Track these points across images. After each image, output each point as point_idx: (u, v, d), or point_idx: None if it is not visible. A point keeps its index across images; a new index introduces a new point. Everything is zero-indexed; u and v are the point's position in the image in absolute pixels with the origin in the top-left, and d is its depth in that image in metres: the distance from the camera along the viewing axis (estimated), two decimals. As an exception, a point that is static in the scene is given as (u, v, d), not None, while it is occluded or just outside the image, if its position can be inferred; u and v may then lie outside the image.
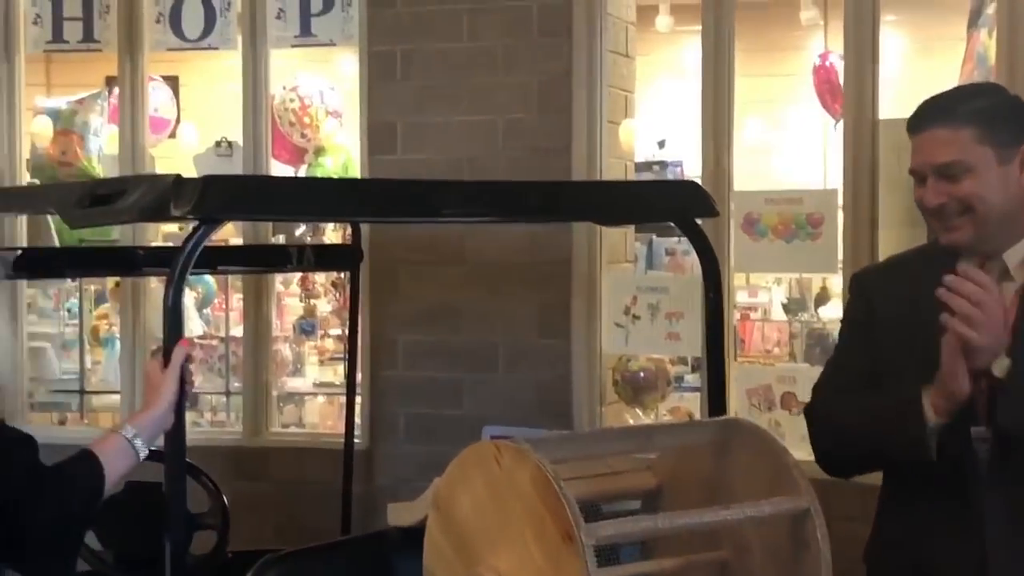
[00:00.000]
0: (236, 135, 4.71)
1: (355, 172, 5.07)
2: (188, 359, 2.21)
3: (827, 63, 7.92)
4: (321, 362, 6.36)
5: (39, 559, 2.07)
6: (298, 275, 6.08)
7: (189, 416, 2.28)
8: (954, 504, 2.34)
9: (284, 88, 6.91)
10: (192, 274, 2.43)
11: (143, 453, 2.16)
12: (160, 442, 2.23)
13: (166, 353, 2.20)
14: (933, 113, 2.42)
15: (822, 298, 7.01)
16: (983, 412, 2.27)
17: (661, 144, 8.38)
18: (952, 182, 2.31)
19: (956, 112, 2.38)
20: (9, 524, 1.99)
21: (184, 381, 2.20)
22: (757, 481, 2.04)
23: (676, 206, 2.73)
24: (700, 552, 2.07)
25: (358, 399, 3.95)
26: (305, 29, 4.40)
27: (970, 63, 5.91)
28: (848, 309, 2.70)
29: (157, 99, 5.73)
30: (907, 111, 2.52)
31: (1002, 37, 3.69)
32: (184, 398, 2.21)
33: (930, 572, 2.38)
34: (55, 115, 6.85)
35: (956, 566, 2.34)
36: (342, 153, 7.03)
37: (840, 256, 3.84)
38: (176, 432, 2.19)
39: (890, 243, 3.81)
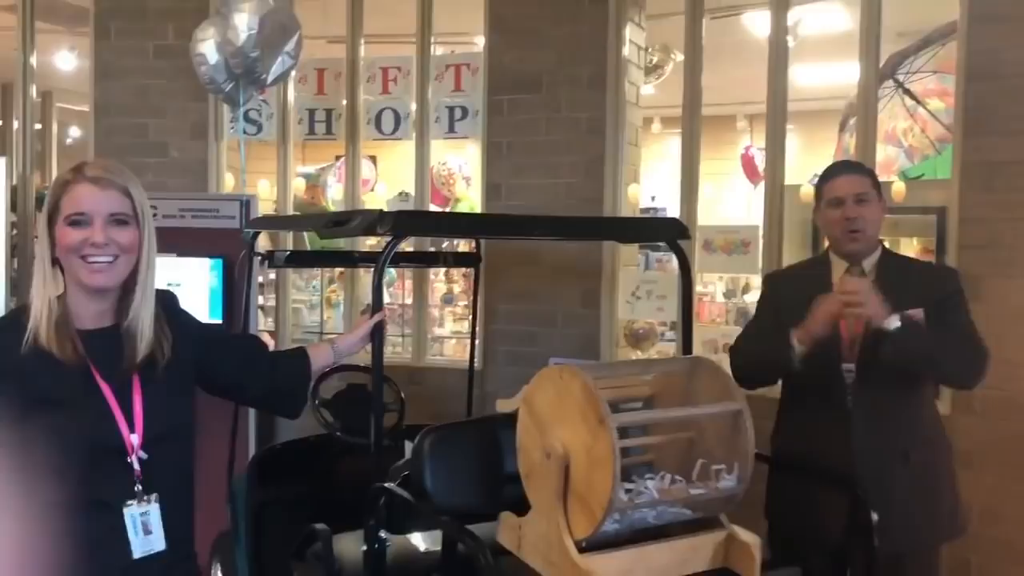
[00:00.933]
0: (410, 189, 4.73)
1: (478, 211, 5.07)
2: (384, 317, 2.22)
3: (749, 152, 7.88)
4: (455, 319, 6.41)
5: (276, 403, 2.07)
6: (443, 268, 6.13)
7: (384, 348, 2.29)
8: (829, 412, 2.33)
9: (438, 163, 6.97)
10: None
11: (338, 360, 2.20)
12: (367, 359, 2.25)
13: (372, 312, 2.21)
14: (848, 167, 2.48)
15: (746, 289, 6.92)
16: (849, 354, 2.27)
17: (653, 198, 8.30)
18: (862, 205, 2.34)
19: (862, 168, 2.47)
20: (247, 380, 1.97)
21: (382, 329, 2.22)
22: (711, 392, 2.01)
23: (665, 233, 2.69)
24: (677, 433, 2.06)
25: (477, 341, 3.96)
26: (451, 128, 4.39)
27: (839, 153, 5.81)
28: (761, 296, 2.68)
29: (365, 168, 5.78)
30: (801, 180, 2.48)
31: (859, 139, 3.61)
32: (382, 338, 2.22)
33: (812, 451, 2.35)
34: (308, 176, 6.98)
35: (829, 447, 2.31)
36: (470, 201, 7.08)
37: (759, 264, 3.77)
38: (377, 356, 2.20)
39: (790, 257, 3.76)
